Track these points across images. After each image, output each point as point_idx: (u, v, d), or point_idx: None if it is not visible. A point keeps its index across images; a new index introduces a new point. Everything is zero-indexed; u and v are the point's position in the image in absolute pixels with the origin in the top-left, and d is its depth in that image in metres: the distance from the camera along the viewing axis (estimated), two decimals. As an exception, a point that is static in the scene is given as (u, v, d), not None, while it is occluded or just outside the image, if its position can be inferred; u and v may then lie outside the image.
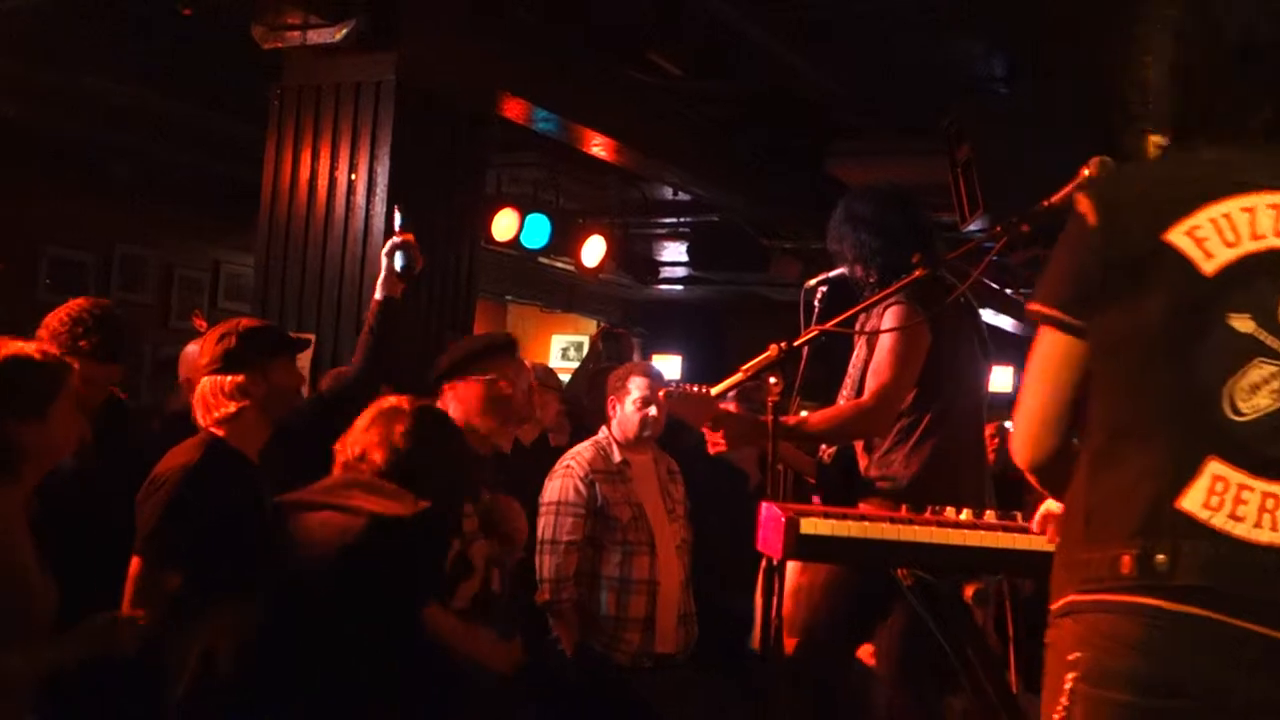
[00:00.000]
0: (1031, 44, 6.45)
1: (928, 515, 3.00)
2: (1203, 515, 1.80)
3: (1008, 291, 10.89)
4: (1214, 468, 1.80)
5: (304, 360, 5.15)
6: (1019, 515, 3.00)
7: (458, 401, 4.22)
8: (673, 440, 5.34)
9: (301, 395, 3.70)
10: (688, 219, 10.12)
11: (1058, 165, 3.07)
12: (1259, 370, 1.81)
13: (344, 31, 5.28)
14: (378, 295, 4.15)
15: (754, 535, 2.91)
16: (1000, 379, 13.12)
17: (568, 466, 4.91)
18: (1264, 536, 1.78)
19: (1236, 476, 1.80)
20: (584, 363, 8.33)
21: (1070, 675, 1.83)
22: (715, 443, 3.85)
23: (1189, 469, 1.82)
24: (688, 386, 4.15)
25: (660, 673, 4.85)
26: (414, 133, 5.52)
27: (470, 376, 4.24)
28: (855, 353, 4.13)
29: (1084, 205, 1.97)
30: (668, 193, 9.45)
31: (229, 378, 3.49)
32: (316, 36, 5.36)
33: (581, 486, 4.83)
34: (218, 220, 8.89)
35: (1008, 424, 7.63)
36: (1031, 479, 2.07)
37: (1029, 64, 6.71)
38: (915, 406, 3.92)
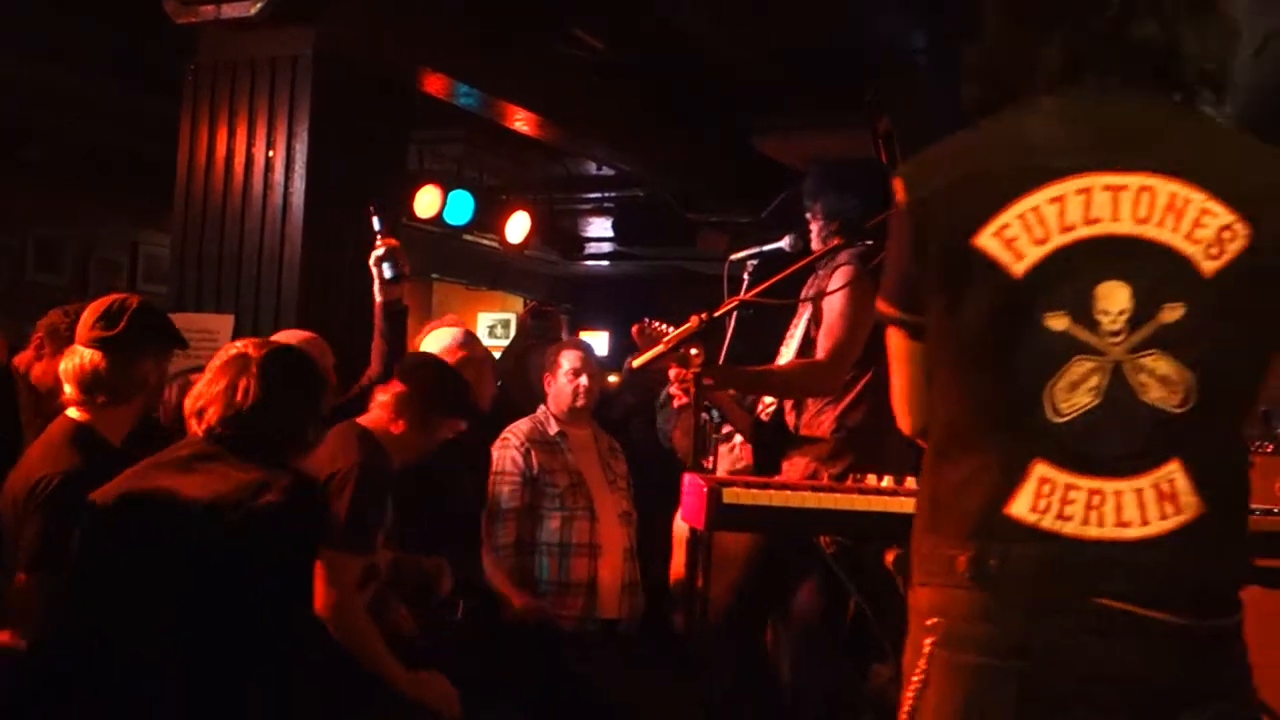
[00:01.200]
0: (949, 17, 6.49)
1: (849, 483, 3.02)
2: (1030, 519, 1.80)
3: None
4: (1040, 470, 1.80)
5: (222, 341, 5.10)
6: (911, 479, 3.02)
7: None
8: (602, 410, 5.41)
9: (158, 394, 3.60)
10: (613, 194, 10.10)
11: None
12: (1078, 367, 1.78)
13: (259, 5, 5.18)
14: (379, 299, 4.02)
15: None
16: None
17: (504, 438, 5.05)
18: (1092, 532, 1.78)
19: (1062, 477, 1.79)
20: (512, 342, 8.32)
21: (928, 640, 1.84)
22: (678, 389, 3.87)
23: (1017, 473, 1.81)
24: (656, 323, 4.18)
25: (606, 641, 4.94)
26: (333, 108, 5.45)
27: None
28: (797, 314, 4.17)
29: (900, 195, 1.91)
30: (592, 168, 9.42)
31: (116, 358, 3.34)
32: (231, 10, 5.26)
33: (518, 456, 4.97)
34: (135, 201, 8.73)
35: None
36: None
37: (947, 36, 6.75)
38: (853, 367, 3.97)
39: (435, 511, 4.27)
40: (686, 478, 2.94)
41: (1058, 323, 1.78)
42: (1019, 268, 1.79)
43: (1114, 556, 1.77)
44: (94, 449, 3.28)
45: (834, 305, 3.93)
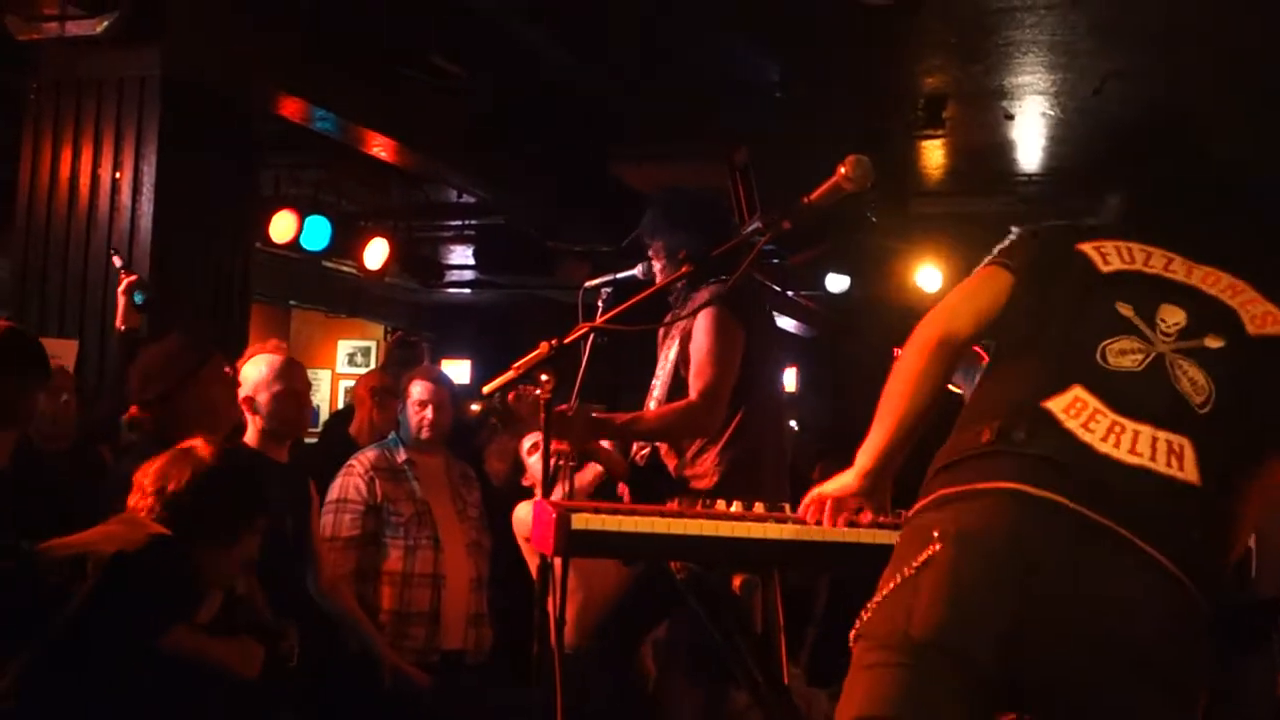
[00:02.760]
0: (804, 51, 6.62)
1: (698, 508, 3.03)
2: (1061, 417, 2.13)
3: (789, 293, 11.15)
4: (1078, 392, 2.16)
5: (68, 361, 4.96)
6: (786, 506, 3.05)
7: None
8: (462, 439, 5.36)
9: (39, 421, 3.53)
10: (474, 221, 10.06)
11: (830, 167, 3.16)
12: (1129, 342, 2.20)
13: (106, 23, 5.07)
14: (120, 327, 4.02)
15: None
16: (789, 380, 13.45)
17: (349, 465, 4.95)
18: (1104, 448, 2.08)
19: (1094, 403, 2.14)
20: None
21: (932, 548, 2.07)
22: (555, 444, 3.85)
23: (1060, 385, 2.17)
24: (528, 389, 4.16)
25: (448, 673, 4.83)
26: (182, 130, 5.35)
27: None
28: (661, 357, 4.18)
29: (1022, 235, 2.50)
30: (452, 195, 9.37)
31: None
32: (76, 28, 5.14)
33: (361, 484, 4.86)
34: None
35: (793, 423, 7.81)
36: (923, 360, 2.38)
37: (801, 70, 6.88)
38: (726, 405, 3.99)
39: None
40: (537, 504, 2.92)
41: (1125, 309, 2.24)
42: (1105, 269, 2.31)
43: (1110, 471, 2.06)
44: None
45: (701, 345, 3.95)
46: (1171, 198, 2.67)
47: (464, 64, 6.66)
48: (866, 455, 2.49)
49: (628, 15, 6.21)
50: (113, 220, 5.31)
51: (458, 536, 4.95)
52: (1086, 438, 2.09)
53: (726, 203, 7.05)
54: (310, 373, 4.82)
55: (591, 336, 3.58)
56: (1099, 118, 7.36)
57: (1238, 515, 2.14)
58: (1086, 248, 2.34)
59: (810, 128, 6.75)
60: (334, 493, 4.87)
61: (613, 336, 3.46)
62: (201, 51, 5.47)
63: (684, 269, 3.50)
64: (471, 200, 9.29)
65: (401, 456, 5.00)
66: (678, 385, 4.06)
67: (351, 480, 4.87)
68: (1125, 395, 2.13)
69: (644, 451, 4.23)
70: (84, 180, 5.37)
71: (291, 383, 4.33)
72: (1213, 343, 2.19)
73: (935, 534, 2.06)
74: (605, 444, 4.24)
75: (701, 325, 3.95)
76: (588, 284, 4.23)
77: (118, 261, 4.43)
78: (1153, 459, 2.06)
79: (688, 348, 4.02)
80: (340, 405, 12.41)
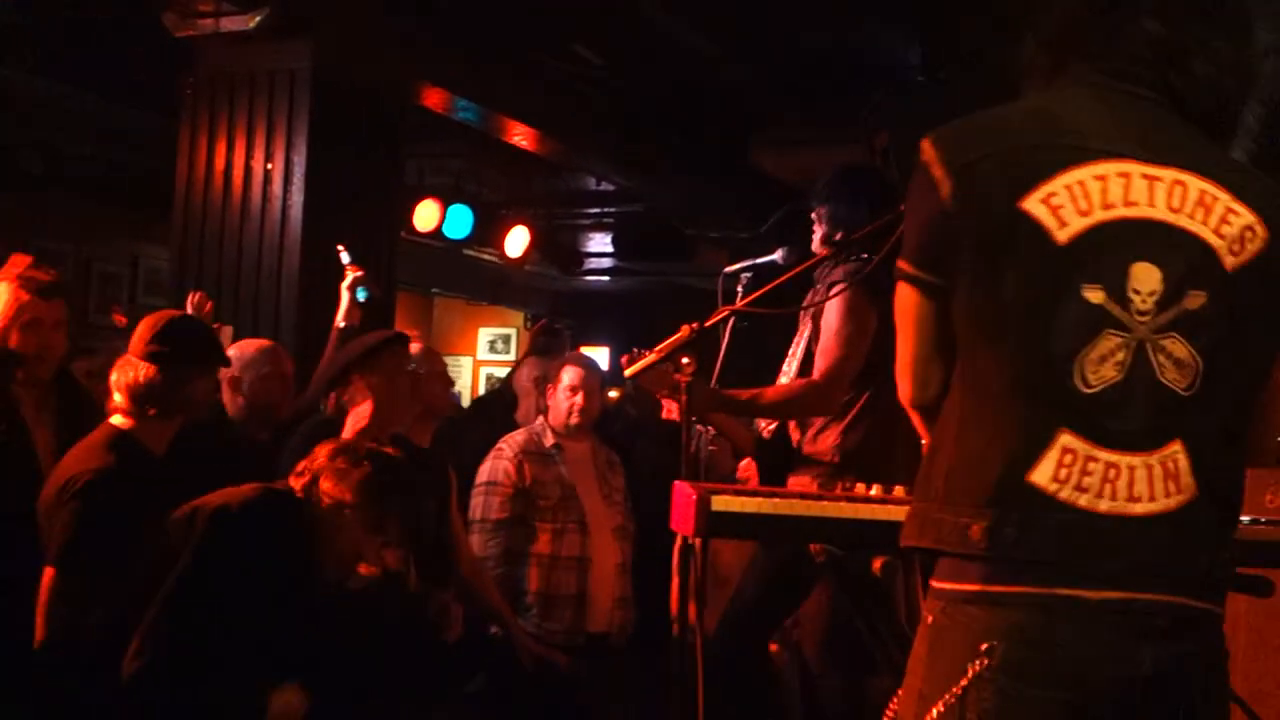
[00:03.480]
0: (946, 31, 6.52)
1: (838, 490, 3.02)
2: (1051, 489, 1.83)
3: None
4: (1065, 440, 1.83)
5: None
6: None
7: (371, 391, 4.16)
8: (602, 425, 5.42)
9: (211, 408, 3.65)
10: (612, 209, 10.12)
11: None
12: (1107, 341, 1.83)
13: (257, 19, 5.23)
14: (340, 324, 4.20)
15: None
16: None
17: (499, 449, 5.04)
18: (1104, 505, 1.82)
19: (1084, 448, 1.83)
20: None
21: (979, 663, 1.83)
22: (670, 410, 3.89)
23: (1042, 441, 1.84)
24: (646, 352, 4.19)
25: (593, 655, 4.91)
26: (331, 122, 5.48)
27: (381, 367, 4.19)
28: (798, 333, 4.18)
29: (930, 159, 1.92)
30: (591, 183, 9.44)
31: (167, 375, 3.39)
32: (229, 24, 5.31)
33: (510, 467, 4.94)
34: (135, 214, 8.76)
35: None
36: (917, 421, 2.09)
37: (945, 52, 6.78)
38: (855, 384, 3.98)
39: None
40: (676, 486, 2.95)
41: (1094, 295, 1.83)
42: (1062, 235, 1.84)
43: (1121, 535, 1.82)
44: (131, 454, 3.34)
45: (830, 324, 3.94)
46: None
47: (604, 52, 6.71)
48: None
49: (767, 1, 6.20)
50: (265, 211, 5.48)
51: (604, 521, 5.02)
52: (1084, 503, 1.82)
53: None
54: (451, 359, 4.95)
55: (731, 321, 3.60)
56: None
57: (1240, 465, 1.95)
58: (1033, 203, 1.85)
59: (952, 110, 6.64)
60: (484, 475, 4.98)
61: (752, 321, 3.47)
62: (348, 45, 5.60)
63: (824, 253, 3.49)
64: (610, 188, 9.36)
65: (550, 440, 5.09)
66: (808, 363, 4.05)
67: (501, 464, 4.96)
68: (1112, 423, 1.84)
69: (771, 425, 4.24)
70: (237, 172, 5.54)
71: (279, 366, 4.44)
72: (1193, 302, 1.85)
73: (984, 649, 1.83)
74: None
75: (833, 304, 3.94)
76: (727, 269, 4.25)
77: (345, 256, 4.52)
78: (1152, 496, 1.84)
79: (819, 325, 4.02)
80: (481, 392, 12.60)
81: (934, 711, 1.86)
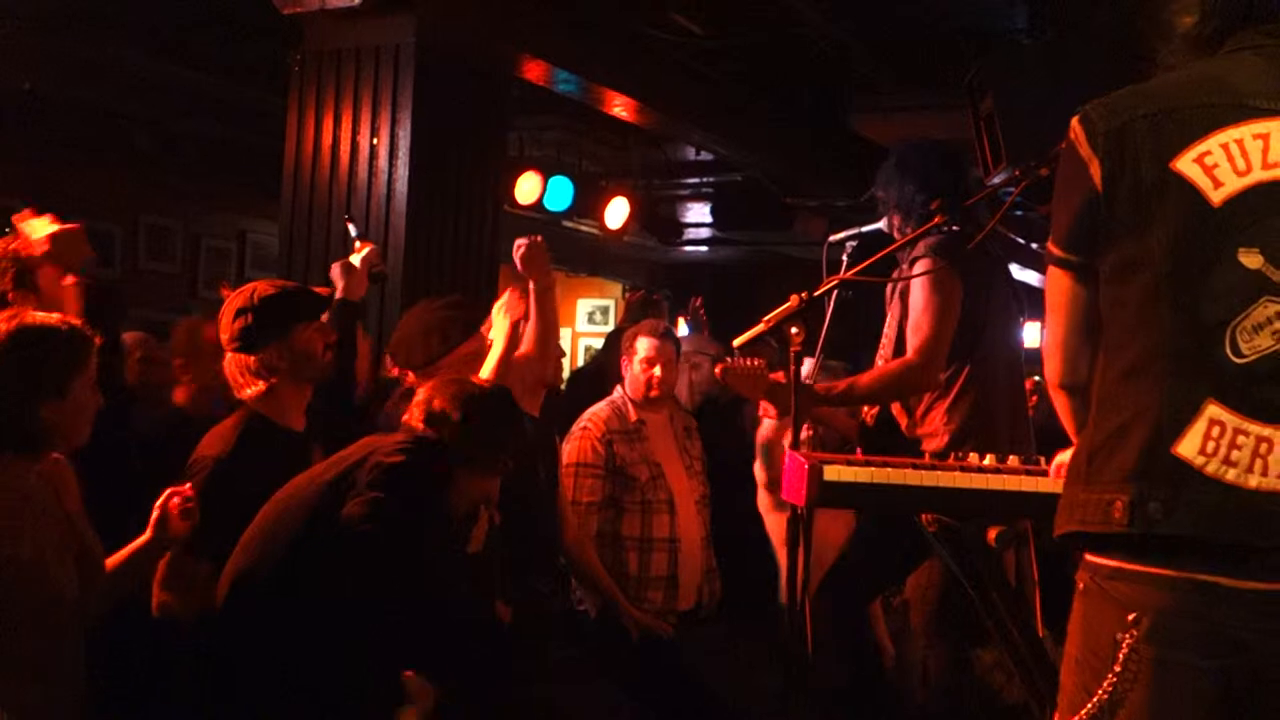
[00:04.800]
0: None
1: (950, 460, 3.01)
2: (1198, 462, 1.78)
3: (1033, 246, 10.84)
4: (1212, 411, 1.78)
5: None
6: (1042, 460, 3.00)
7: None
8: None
9: (328, 356, 3.61)
10: (711, 179, 10.09)
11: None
12: (1264, 309, 1.76)
13: (363, -6, 5.28)
14: (339, 296, 3.97)
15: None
16: (1031, 334, 13.06)
17: (584, 428, 4.94)
18: (1254, 481, 1.76)
19: (1233, 420, 1.77)
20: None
21: (1131, 633, 1.81)
22: (768, 413, 3.89)
23: (1188, 412, 1.78)
24: (740, 361, 4.17)
25: (686, 629, 4.90)
26: (434, 96, 5.53)
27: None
28: (889, 315, 4.16)
29: (1078, 135, 1.90)
30: (690, 153, 9.42)
31: (252, 356, 3.40)
32: (335, 1, 5.37)
33: (599, 447, 4.86)
34: (243, 189, 8.92)
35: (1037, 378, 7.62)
36: (1062, 405, 2.06)
37: (1050, 14, 6.66)
38: (951, 361, 3.95)
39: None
40: (787, 456, 2.95)
41: (1251, 260, 1.76)
42: (1217, 196, 1.77)
43: (1269, 510, 1.76)
44: (260, 435, 3.37)
45: (918, 302, 3.92)
46: None
47: (704, 21, 6.69)
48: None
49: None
50: (370, 185, 5.54)
51: (688, 494, 4.97)
52: (1233, 477, 1.75)
53: (970, 153, 6.91)
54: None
55: (836, 291, 3.58)
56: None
57: None
58: (1185, 163, 1.78)
59: (1058, 72, 6.52)
60: (572, 455, 4.88)
61: (857, 291, 3.44)
62: (451, 19, 5.64)
63: (936, 219, 3.45)
64: (709, 158, 9.33)
65: (633, 415, 4.99)
66: (901, 344, 4.03)
67: (589, 444, 4.87)
68: (1266, 395, 1.76)
69: (874, 411, 4.21)
70: (344, 147, 5.61)
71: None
72: None
73: (1130, 619, 1.81)
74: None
75: (919, 281, 3.90)
76: (832, 238, 4.21)
77: (353, 229, 4.46)
78: None
79: (907, 305, 3.98)
80: (579, 363, 12.66)
81: (1085, 676, 1.85)
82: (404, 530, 3.06)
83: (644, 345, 5.01)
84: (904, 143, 4.39)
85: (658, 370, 4.96)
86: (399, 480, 3.05)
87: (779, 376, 3.96)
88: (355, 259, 4.05)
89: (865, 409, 4.26)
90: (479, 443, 3.27)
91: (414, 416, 3.29)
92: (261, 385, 3.41)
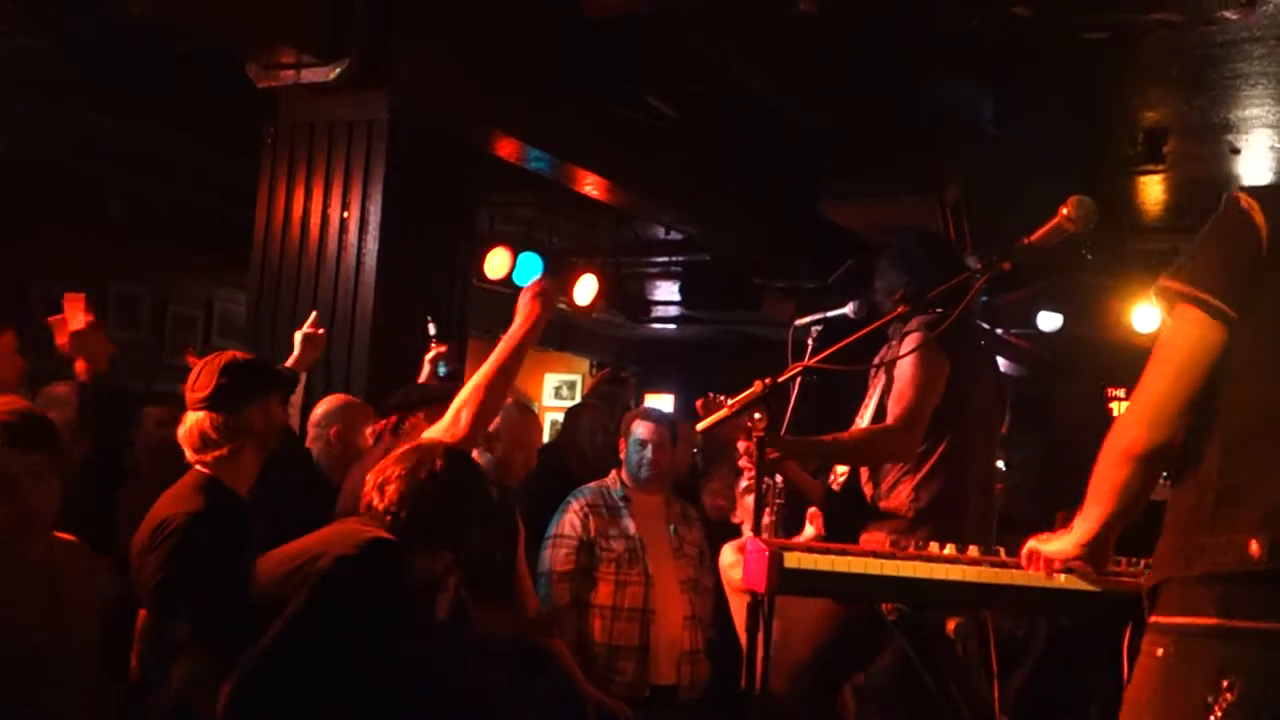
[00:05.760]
0: (1018, 86, 6.52)
1: (911, 550, 3.01)
2: None
3: (999, 331, 10.94)
4: None
5: (294, 397, 5.19)
6: (1002, 551, 3.01)
7: None
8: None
9: (285, 433, 3.65)
10: (680, 258, 10.16)
11: (1043, 204, 3.12)
12: None
13: (337, 70, 5.31)
14: (289, 363, 4.45)
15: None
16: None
17: (569, 502, 5.12)
18: None
19: None
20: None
21: (1225, 699, 1.85)
22: (747, 461, 3.89)
23: None
24: (720, 397, 4.18)
25: (659, 707, 4.93)
26: (407, 171, 5.56)
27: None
28: (871, 385, 4.18)
29: (1251, 206, 2.09)
30: (660, 232, 9.49)
31: (220, 416, 3.40)
32: (310, 75, 5.40)
33: (576, 520, 5.02)
34: (211, 258, 8.91)
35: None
36: (1126, 474, 2.12)
37: (1016, 106, 6.77)
38: (927, 438, 3.96)
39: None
40: (748, 542, 2.95)
41: None
42: None
43: None
44: (218, 497, 3.36)
45: (904, 372, 3.94)
46: None
47: (675, 103, 6.77)
48: (1085, 526, 2.35)
49: (838, 54, 6.22)
50: (340, 257, 5.55)
51: (671, 573, 5.03)
52: None
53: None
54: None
55: (800, 376, 3.60)
56: (1332, 152, 7.07)
57: None
58: None
59: (1024, 163, 6.63)
60: (553, 528, 5.06)
61: (822, 376, 3.46)
62: (425, 96, 5.68)
63: (899, 309, 3.49)
64: (679, 237, 9.40)
65: (620, 493, 5.13)
66: (881, 415, 4.04)
67: (568, 517, 5.05)
68: None
69: (841, 478, 4.22)
70: (314, 219, 5.62)
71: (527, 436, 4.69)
72: None
73: (1225, 685, 1.87)
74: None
75: (905, 351, 3.93)
76: (798, 322, 4.23)
77: (432, 329, 4.83)
78: None
79: (892, 375, 4.01)
80: (544, 439, 12.64)
81: None
82: (347, 630, 3.08)
83: (640, 428, 5.20)
84: (902, 232, 4.45)
85: (649, 452, 5.15)
86: (344, 584, 3.06)
87: (756, 432, 3.94)
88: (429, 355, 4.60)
89: (832, 475, 4.27)
90: (433, 529, 3.27)
91: (369, 500, 3.30)
92: (224, 449, 3.40)
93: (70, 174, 7.80)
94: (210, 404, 3.40)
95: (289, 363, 4.53)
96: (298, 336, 4.54)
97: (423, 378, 4.82)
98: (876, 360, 4.05)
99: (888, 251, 4.30)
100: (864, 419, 4.15)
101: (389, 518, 3.22)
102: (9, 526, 2.89)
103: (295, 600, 3.04)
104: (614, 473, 5.25)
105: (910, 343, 3.92)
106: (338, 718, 3.07)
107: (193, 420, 3.43)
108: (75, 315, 3.99)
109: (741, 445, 3.94)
